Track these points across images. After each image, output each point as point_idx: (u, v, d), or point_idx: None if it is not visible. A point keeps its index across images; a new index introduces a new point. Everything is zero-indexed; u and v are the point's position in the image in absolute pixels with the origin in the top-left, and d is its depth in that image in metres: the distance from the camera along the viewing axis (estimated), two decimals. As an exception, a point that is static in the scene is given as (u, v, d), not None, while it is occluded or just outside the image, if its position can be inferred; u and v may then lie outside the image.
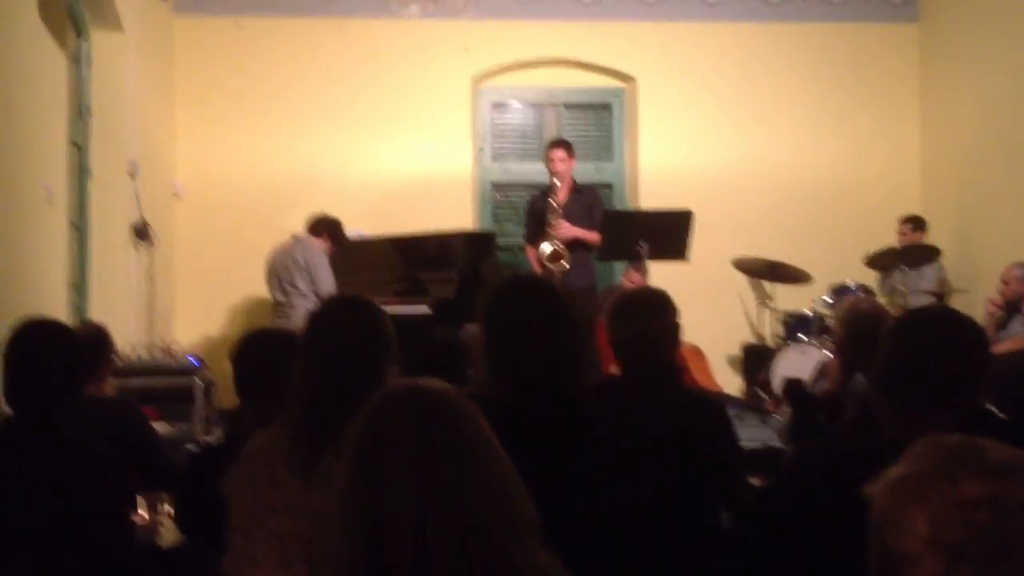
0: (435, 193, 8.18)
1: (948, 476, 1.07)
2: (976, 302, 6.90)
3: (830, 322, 7.06)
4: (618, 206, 8.45)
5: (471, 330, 3.96)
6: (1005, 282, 6.44)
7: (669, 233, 6.31)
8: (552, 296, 2.39)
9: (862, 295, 6.96)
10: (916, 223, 7.72)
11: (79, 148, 6.02)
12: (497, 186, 8.65)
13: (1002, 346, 6.17)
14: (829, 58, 8.51)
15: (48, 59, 5.04)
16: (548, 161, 6.82)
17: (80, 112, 6.05)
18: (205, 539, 2.49)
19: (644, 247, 6.17)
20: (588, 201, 6.82)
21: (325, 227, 6.80)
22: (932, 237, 7.72)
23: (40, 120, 4.95)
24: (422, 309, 6.77)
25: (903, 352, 2.02)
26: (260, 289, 7.03)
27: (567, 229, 6.57)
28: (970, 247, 7.82)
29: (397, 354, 2.31)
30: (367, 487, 1.40)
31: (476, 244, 7.45)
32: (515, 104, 8.74)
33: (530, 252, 6.93)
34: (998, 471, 1.06)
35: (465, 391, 1.60)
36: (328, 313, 2.35)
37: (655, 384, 2.80)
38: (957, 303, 7.33)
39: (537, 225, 6.80)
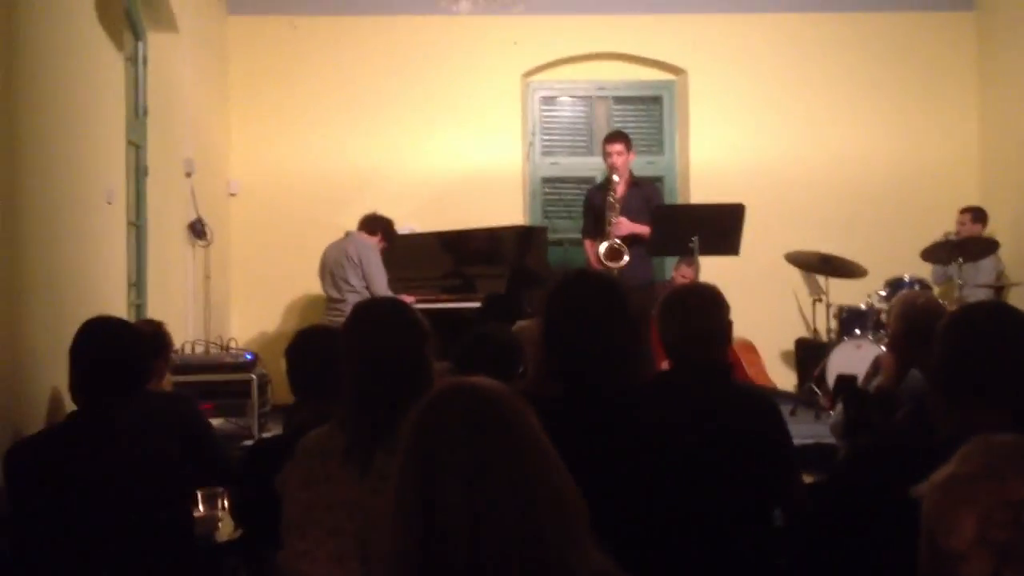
0: (486, 188, 8.21)
1: (998, 476, 1.07)
2: (1036, 295, 6.78)
3: (885, 317, 6.98)
4: (669, 200, 8.41)
5: (522, 326, 3.97)
6: (1065, 274, 6.32)
7: (721, 227, 6.26)
8: (614, 293, 2.40)
9: (918, 289, 6.86)
10: (977, 214, 7.59)
11: (136, 147, 6.13)
12: (547, 181, 8.65)
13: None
14: (884, 48, 8.39)
15: (106, 60, 5.13)
16: (605, 155, 6.76)
17: (137, 112, 6.16)
18: (261, 534, 2.54)
19: (695, 241, 6.13)
20: (646, 195, 6.76)
21: (379, 225, 6.85)
22: (990, 229, 7.58)
23: (99, 121, 5.05)
24: (473, 304, 6.80)
25: (958, 349, 2.00)
26: (314, 286, 7.12)
27: (626, 226, 6.52)
28: (1030, 239, 7.68)
29: (436, 348, 2.34)
30: (420, 484, 1.42)
31: (527, 239, 7.46)
32: (565, 98, 8.74)
33: (588, 246, 6.89)
34: None
35: (517, 388, 1.61)
36: (363, 315, 2.39)
37: (706, 382, 2.79)
38: (1015, 296, 7.20)
39: (594, 219, 6.76)
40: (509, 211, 8.16)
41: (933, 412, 2.08)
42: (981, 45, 8.40)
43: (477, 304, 6.82)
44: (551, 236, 8.02)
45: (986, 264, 7.37)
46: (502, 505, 1.39)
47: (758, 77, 8.37)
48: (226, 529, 2.97)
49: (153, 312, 5.91)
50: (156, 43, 6.44)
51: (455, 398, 1.49)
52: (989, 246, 7.12)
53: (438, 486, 1.40)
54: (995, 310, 2.14)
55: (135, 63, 6.15)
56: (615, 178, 6.63)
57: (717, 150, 8.35)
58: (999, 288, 7.35)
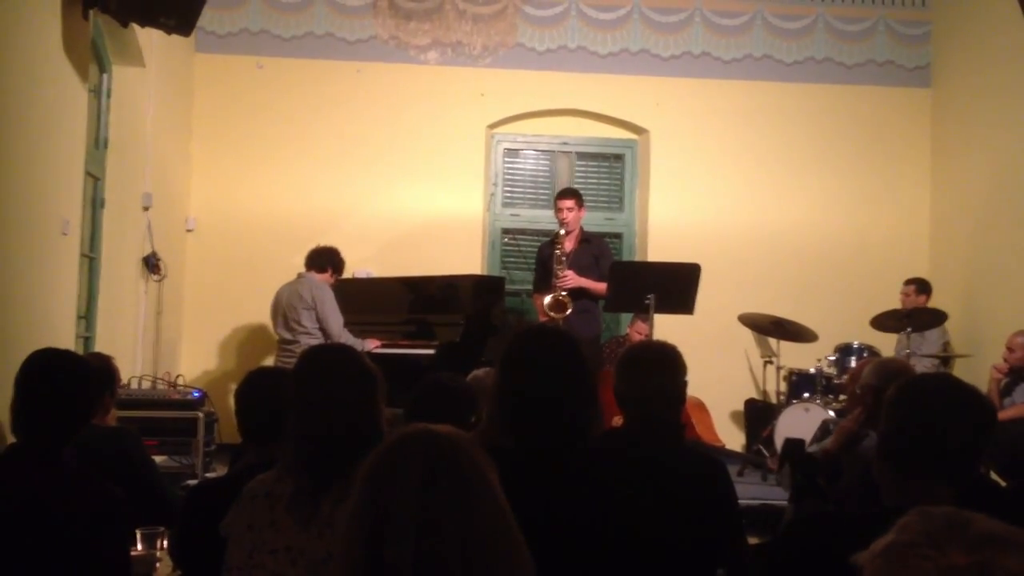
0: (446, 236, 8.23)
1: (935, 545, 1.10)
2: (980, 368, 6.89)
3: (836, 381, 7.07)
4: (626, 256, 8.49)
5: (477, 375, 3.97)
6: (1010, 349, 6.44)
7: (676, 286, 6.32)
8: (573, 350, 2.41)
9: (867, 356, 6.96)
10: (920, 286, 7.72)
11: (95, 179, 6.09)
12: (507, 232, 8.70)
13: (1006, 413, 6.16)
14: (842, 120, 8.58)
15: (69, 91, 5.11)
16: (557, 210, 6.86)
17: (97, 144, 6.12)
18: (200, 575, 2.49)
19: (651, 299, 6.19)
20: (595, 251, 6.84)
21: (326, 259, 6.83)
22: (938, 301, 7.72)
23: (59, 150, 5.01)
24: (428, 351, 6.78)
25: (905, 420, 2.03)
26: (267, 325, 7.07)
27: (572, 279, 6.58)
28: (976, 312, 7.83)
29: (385, 395, 2.33)
30: (370, 530, 1.41)
31: (484, 289, 7.47)
32: (528, 151, 8.82)
33: (536, 300, 6.95)
34: (984, 541, 1.09)
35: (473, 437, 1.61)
36: (311, 362, 2.38)
37: (658, 440, 2.80)
38: (961, 368, 7.33)
39: (544, 273, 6.82)
40: (468, 260, 8.19)
41: (879, 481, 2.10)
42: (935, 121, 8.62)
43: (432, 351, 6.80)
44: (508, 287, 8.05)
45: (932, 335, 7.49)
46: (450, 559, 1.38)
47: (719, 141, 8.51)
48: (164, 570, 2.92)
49: (101, 346, 5.83)
50: (121, 76, 6.43)
51: (414, 447, 1.48)
52: (937, 317, 7.24)
53: (387, 534, 1.40)
54: (944, 384, 2.17)
55: (99, 95, 6.13)
56: (562, 232, 6.71)
57: (676, 210, 8.46)
58: (945, 359, 7.47)
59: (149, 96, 6.86)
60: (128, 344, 6.66)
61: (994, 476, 5.29)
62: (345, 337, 6.52)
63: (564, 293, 6.55)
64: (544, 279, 6.81)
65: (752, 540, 3.01)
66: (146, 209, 6.88)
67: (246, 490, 2.24)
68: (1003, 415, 6.00)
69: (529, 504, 1.68)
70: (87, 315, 6.00)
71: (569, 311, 6.50)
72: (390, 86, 8.32)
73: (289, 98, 8.28)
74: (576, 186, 7.70)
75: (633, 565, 2.35)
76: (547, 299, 6.58)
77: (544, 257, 6.91)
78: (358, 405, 2.27)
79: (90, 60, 5.57)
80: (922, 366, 7.01)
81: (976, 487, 2.22)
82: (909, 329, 7.01)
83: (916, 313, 7.15)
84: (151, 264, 6.92)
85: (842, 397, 6.69)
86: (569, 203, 6.78)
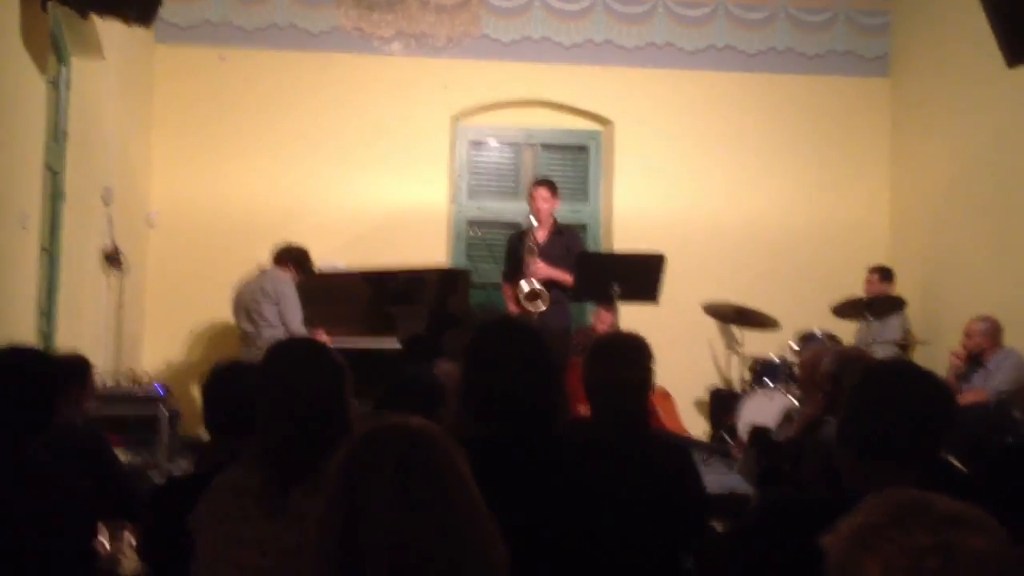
0: (410, 228, 8.21)
1: (900, 526, 1.12)
2: (939, 354, 6.99)
3: (797, 369, 7.13)
4: (592, 247, 8.51)
5: (443, 367, 3.97)
6: (968, 335, 6.53)
7: (641, 276, 6.36)
8: (535, 340, 2.42)
9: (828, 343, 7.03)
10: (884, 273, 7.80)
11: (54, 173, 6.01)
12: (472, 223, 8.69)
13: (964, 398, 6.25)
14: (803, 110, 8.65)
15: (27, 83, 5.04)
16: (531, 199, 6.86)
17: (56, 136, 6.04)
18: (168, 571, 2.48)
19: (616, 289, 6.22)
20: (567, 242, 6.85)
21: (291, 257, 6.76)
22: (898, 288, 7.81)
23: (16, 143, 4.95)
24: (391, 344, 6.77)
25: (864, 405, 2.06)
26: (230, 319, 7.01)
27: (543, 269, 6.59)
28: (935, 299, 7.93)
29: (353, 387, 2.34)
30: (345, 522, 1.42)
31: (449, 281, 7.47)
32: (493, 143, 8.81)
33: (506, 289, 6.95)
34: (947, 521, 1.12)
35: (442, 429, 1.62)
36: (280, 356, 2.37)
37: (625, 428, 2.83)
38: (920, 354, 7.43)
39: (515, 263, 6.82)
40: (433, 252, 8.17)
41: (839, 466, 2.13)
42: (894, 110, 8.71)
43: (395, 343, 6.79)
44: (474, 279, 8.04)
45: (893, 322, 7.58)
46: (424, 550, 1.39)
47: (682, 131, 8.55)
48: (129, 565, 2.90)
49: (63, 341, 5.77)
50: (80, 68, 6.34)
51: (388, 439, 1.49)
52: (896, 304, 7.33)
53: (362, 526, 1.40)
54: (902, 370, 2.20)
55: (57, 87, 6.04)
56: (534, 222, 6.72)
57: (640, 200, 8.49)
58: (904, 346, 7.56)
59: (109, 88, 6.78)
60: (90, 339, 6.58)
61: (954, 462, 5.36)
62: (301, 333, 6.49)
63: (539, 286, 6.55)
64: (514, 269, 6.81)
65: (717, 527, 3.04)
66: (107, 203, 6.80)
67: (214, 483, 2.23)
68: (961, 400, 6.09)
69: (498, 494, 1.69)
70: (48, 310, 5.93)
71: (543, 304, 6.48)
72: (354, 78, 8.28)
73: (252, 90, 8.21)
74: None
75: (601, 553, 2.36)
76: (523, 290, 6.57)
77: (515, 246, 6.91)
78: (326, 398, 2.27)
79: (49, 51, 5.49)
80: (882, 352, 7.09)
81: (937, 471, 2.26)
82: (868, 316, 7.08)
83: (875, 300, 7.23)
84: (112, 258, 6.84)
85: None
86: (545, 192, 6.79)
